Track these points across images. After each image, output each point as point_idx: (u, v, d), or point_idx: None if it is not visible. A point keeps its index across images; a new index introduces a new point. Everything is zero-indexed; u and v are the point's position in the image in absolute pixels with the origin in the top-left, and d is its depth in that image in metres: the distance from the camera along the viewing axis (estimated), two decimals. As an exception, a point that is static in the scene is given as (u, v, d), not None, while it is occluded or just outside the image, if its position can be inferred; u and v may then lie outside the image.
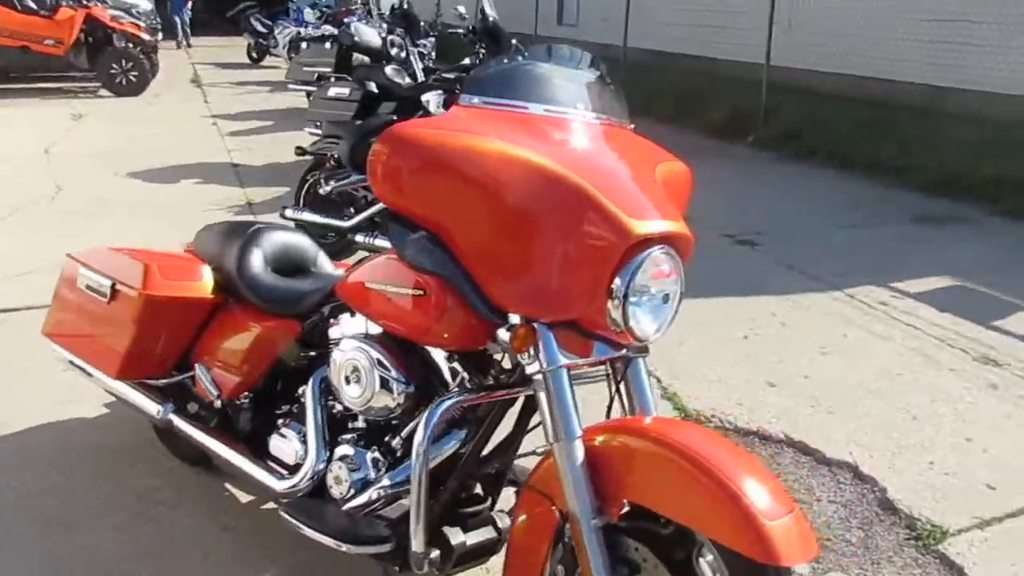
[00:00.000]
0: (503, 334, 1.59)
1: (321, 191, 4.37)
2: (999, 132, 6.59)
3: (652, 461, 1.48)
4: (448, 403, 1.65)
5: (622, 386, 1.74)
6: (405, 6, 7.70)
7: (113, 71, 10.88)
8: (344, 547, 1.77)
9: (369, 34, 5.47)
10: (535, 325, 1.58)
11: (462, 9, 6.85)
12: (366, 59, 5.66)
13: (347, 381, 1.86)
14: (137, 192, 6.11)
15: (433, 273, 1.61)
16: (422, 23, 7.45)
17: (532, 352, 1.58)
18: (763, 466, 1.49)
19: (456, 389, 1.78)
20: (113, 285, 2.24)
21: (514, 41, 6.40)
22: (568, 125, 1.67)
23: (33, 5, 10.70)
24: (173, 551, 2.22)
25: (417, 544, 1.64)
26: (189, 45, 17.25)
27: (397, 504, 1.81)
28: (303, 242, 2.38)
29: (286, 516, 1.87)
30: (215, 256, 2.30)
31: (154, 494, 2.47)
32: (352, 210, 4.29)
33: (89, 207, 5.62)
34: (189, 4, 17.42)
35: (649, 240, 1.51)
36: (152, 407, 2.34)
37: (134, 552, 2.21)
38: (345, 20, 9.44)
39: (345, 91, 5.15)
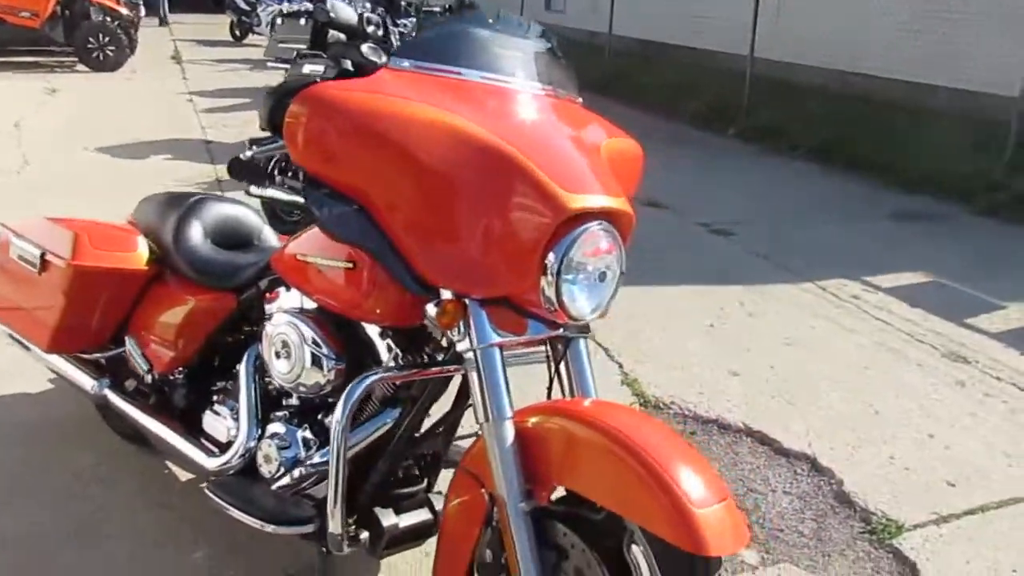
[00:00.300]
0: (431, 309, 1.51)
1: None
2: (980, 130, 6.57)
3: (583, 445, 1.41)
4: (370, 380, 1.58)
5: (562, 367, 1.68)
6: (388, -14, 7.59)
7: (90, 46, 10.67)
8: (268, 527, 1.70)
9: (345, 11, 5.34)
10: (466, 301, 1.51)
11: (442, -12, 6.77)
12: (342, 36, 5.56)
13: (277, 356, 1.79)
14: (106, 167, 5.98)
15: (357, 245, 1.53)
16: (403, 2, 7.34)
17: (462, 329, 1.52)
18: (698, 453, 1.44)
19: (383, 366, 1.71)
20: (43, 255, 2.14)
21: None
22: (506, 94, 1.59)
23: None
24: (106, 529, 2.14)
25: (334, 525, 1.57)
26: (167, 23, 16.97)
27: (324, 484, 1.74)
28: (246, 214, 2.30)
29: (211, 495, 1.79)
30: (153, 226, 2.21)
31: (91, 471, 2.39)
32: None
33: (55, 182, 5.49)
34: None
35: (587, 215, 1.44)
36: (87, 382, 2.25)
37: (65, 531, 2.13)
38: (326, -2, 9.29)
39: (319, 69, 5.04)
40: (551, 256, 1.43)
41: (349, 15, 5.72)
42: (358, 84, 1.51)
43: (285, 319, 1.79)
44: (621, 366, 3.16)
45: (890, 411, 2.93)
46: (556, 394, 1.68)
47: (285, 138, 1.49)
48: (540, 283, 1.45)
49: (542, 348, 1.71)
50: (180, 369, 2.13)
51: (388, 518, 1.75)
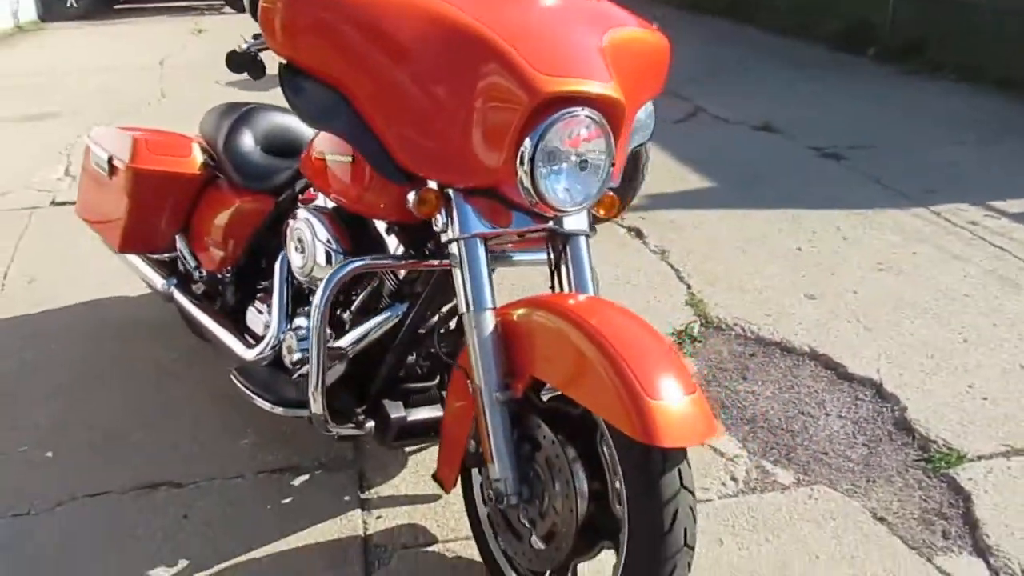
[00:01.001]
0: (411, 198, 1.51)
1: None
2: None
3: (555, 336, 1.40)
4: (353, 266, 1.61)
5: (563, 267, 1.64)
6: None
7: (235, -13, 11.21)
8: (277, 409, 1.80)
9: None
10: (450, 192, 1.51)
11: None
12: None
13: (295, 252, 1.87)
14: (232, 98, 6.31)
15: (334, 132, 1.55)
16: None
17: (446, 220, 1.52)
18: (672, 351, 1.39)
19: (371, 256, 1.74)
20: (110, 159, 2.32)
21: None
22: None
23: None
24: (173, 414, 2.34)
25: (316, 406, 1.64)
26: None
27: (334, 370, 1.82)
28: (297, 122, 2.38)
29: (234, 379, 1.91)
30: (210, 134, 2.34)
31: (169, 366, 2.60)
32: None
33: (186, 110, 5.86)
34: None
35: (569, 100, 1.39)
36: (158, 280, 2.44)
37: (138, 415, 2.34)
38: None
39: None
40: (527, 142, 1.39)
41: None
42: None
43: (303, 216, 1.86)
44: (689, 287, 3.06)
45: (982, 340, 2.68)
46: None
47: (260, 25, 1.52)
48: (518, 171, 1.42)
49: (543, 247, 1.69)
50: (228, 269, 2.26)
51: (396, 410, 1.80)
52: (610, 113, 1.46)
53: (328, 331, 1.90)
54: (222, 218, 2.24)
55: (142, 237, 2.38)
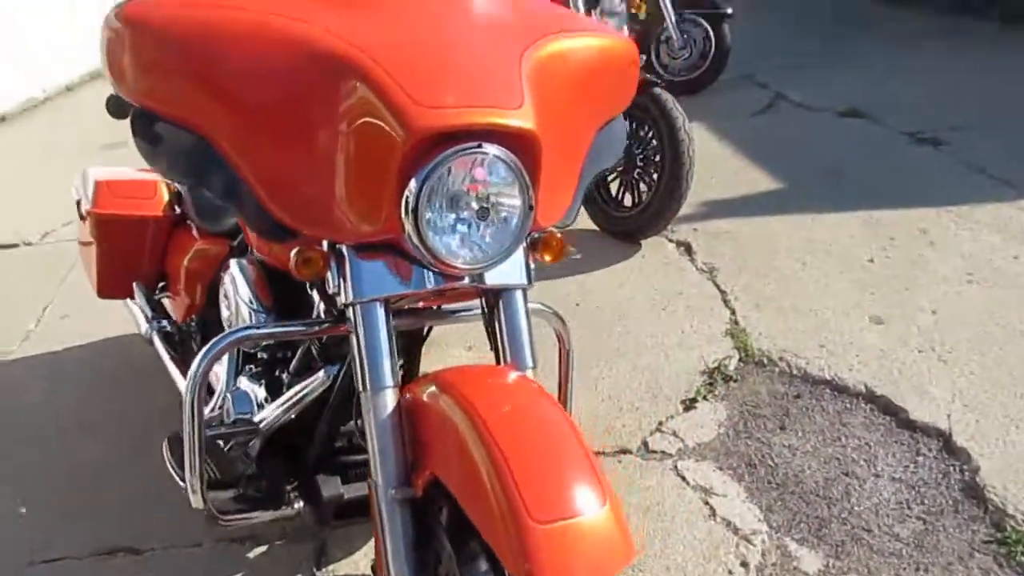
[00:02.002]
0: (292, 257, 1.27)
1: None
2: None
3: (451, 430, 1.13)
4: (234, 338, 1.38)
5: (496, 325, 1.37)
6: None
7: None
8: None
9: None
10: (342, 249, 1.26)
11: None
12: None
13: (223, 306, 1.69)
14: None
15: (194, 184, 1.33)
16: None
17: (338, 280, 1.27)
18: (586, 456, 1.07)
19: (255, 323, 1.52)
20: (78, 203, 2.23)
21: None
22: None
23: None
24: (142, 474, 2.20)
25: (194, 499, 1.41)
26: None
27: (252, 445, 1.62)
28: None
29: (163, 447, 1.74)
30: None
31: (157, 416, 2.47)
32: None
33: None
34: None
35: (462, 135, 1.12)
36: (142, 324, 2.32)
37: (109, 472, 2.23)
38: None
39: None
40: (410, 187, 1.13)
41: None
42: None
43: (232, 267, 1.68)
44: (733, 312, 2.68)
45: (1092, 375, 2.18)
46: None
47: (106, 68, 1.30)
48: (404, 224, 1.16)
49: (476, 302, 1.43)
50: (192, 318, 2.11)
51: (331, 487, 1.59)
52: (521, 147, 1.18)
53: (259, 396, 1.72)
54: (184, 263, 2.09)
55: (115, 283, 2.28)
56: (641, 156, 3.21)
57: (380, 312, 1.25)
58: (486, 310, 1.38)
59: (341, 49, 1.15)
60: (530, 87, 1.20)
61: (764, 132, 4.57)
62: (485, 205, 1.18)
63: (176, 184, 1.50)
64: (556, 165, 1.32)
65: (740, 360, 2.41)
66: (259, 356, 1.79)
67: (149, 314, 2.16)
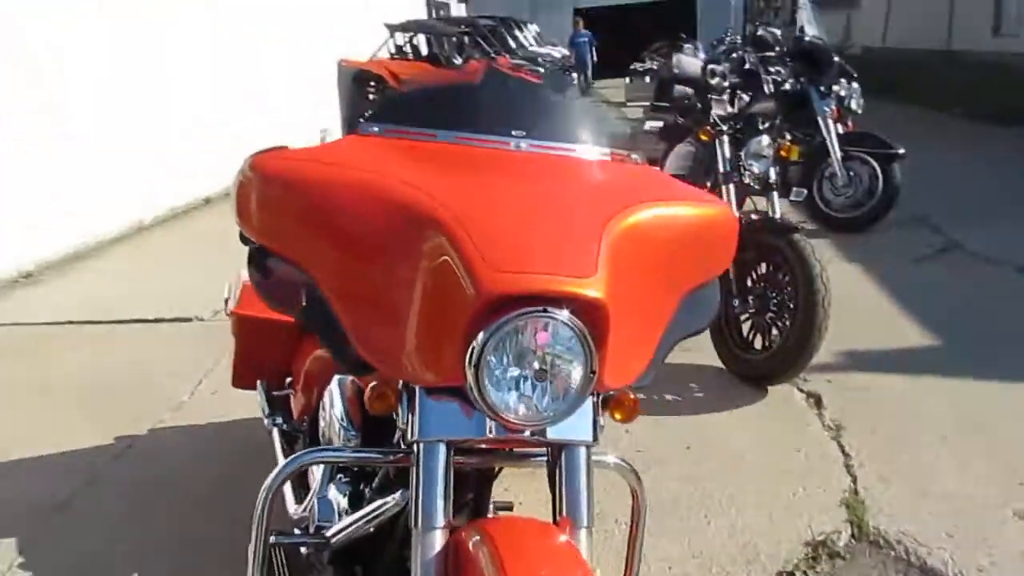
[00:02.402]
0: (368, 391, 1.35)
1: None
2: None
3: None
4: (307, 459, 1.46)
5: (556, 478, 1.38)
6: (759, 31, 7.29)
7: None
8: None
9: (690, 65, 5.24)
10: (414, 388, 1.33)
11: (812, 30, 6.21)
12: (687, 89, 5.44)
13: (321, 418, 1.80)
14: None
15: (292, 315, 1.44)
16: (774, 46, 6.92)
17: (407, 416, 1.34)
18: None
19: (331, 446, 1.59)
20: (226, 301, 2.46)
21: (837, 59, 5.61)
22: (480, 155, 1.39)
23: (456, 61, 12.47)
24: None
25: None
26: (589, 86, 18.19)
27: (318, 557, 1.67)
28: None
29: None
30: None
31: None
32: None
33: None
34: (593, 50, 18.60)
35: (530, 299, 1.17)
36: (265, 417, 2.50)
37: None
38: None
39: (658, 124, 5.01)
40: (476, 341, 1.19)
41: (692, 68, 5.52)
42: (308, 152, 1.43)
43: (334, 382, 1.79)
44: (855, 480, 2.48)
45: None
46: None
47: (236, 209, 1.47)
48: (467, 375, 1.22)
49: (543, 451, 1.44)
50: (304, 418, 2.24)
51: None
52: (589, 315, 1.21)
53: (342, 506, 1.78)
54: (304, 367, 2.24)
55: (247, 375, 2.47)
56: (775, 300, 3.12)
57: (441, 453, 1.29)
58: (550, 460, 1.39)
59: (429, 206, 1.25)
60: (609, 255, 1.24)
61: (928, 281, 4.30)
62: (544, 367, 1.21)
63: None
64: (630, 330, 1.33)
65: (852, 536, 2.22)
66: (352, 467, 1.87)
67: (266, 410, 2.32)
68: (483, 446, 1.44)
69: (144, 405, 3.30)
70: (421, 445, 1.29)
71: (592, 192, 1.40)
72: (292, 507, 1.98)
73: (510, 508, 1.95)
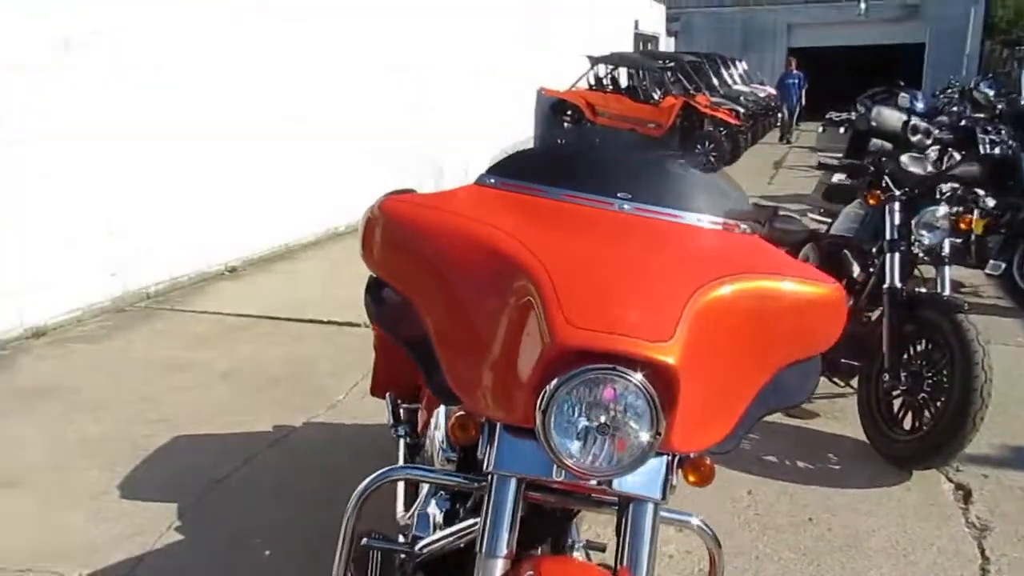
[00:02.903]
0: (453, 420, 1.48)
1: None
2: None
3: None
4: (393, 476, 1.58)
5: (623, 530, 1.43)
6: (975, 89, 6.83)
7: (696, 151, 11.99)
8: None
9: (890, 118, 5.02)
10: (497, 424, 1.44)
11: None
12: (886, 144, 5.20)
13: (428, 438, 1.93)
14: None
15: (394, 339, 1.59)
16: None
17: (487, 448, 1.44)
18: None
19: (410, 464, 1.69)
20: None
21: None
22: (583, 214, 1.48)
23: (654, 96, 12.60)
24: None
25: None
26: (789, 136, 17.32)
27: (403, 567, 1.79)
28: None
29: None
30: None
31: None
32: None
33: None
34: (802, 92, 17.83)
35: (603, 356, 1.24)
36: (391, 428, 2.70)
37: None
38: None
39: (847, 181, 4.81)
40: (547, 388, 1.27)
41: (893, 123, 5.31)
42: (430, 199, 1.58)
43: (442, 406, 1.92)
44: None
45: None
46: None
47: (359, 238, 1.63)
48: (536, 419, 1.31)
49: (615, 500, 1.49)
50: (425, 433, 2.40)
51: None
52: (660, 378, 1.26)
53: (438, 521, 1.90)
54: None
55: (382, 386, 2.68)
56: (931, 381, 2.92)
57: (512, 487, 1.38)
58: (619, 510, 1.44)
59: (525, 257, 1.36)
60: (692, 323, 1.29)
61: None
62: (607, 422, 1.27)
63: None
64: (708, 398, 1.36)
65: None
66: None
67: (391, 420, 2.51)
68: (555, 487, 1.52)
69: (303, 400, 3.63)
70: (495, 477, 1.39)
71: (687, 259, 1.44)
72: (400, 514, 2.14)
73: (602, 550, 1.98)
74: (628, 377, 1.23)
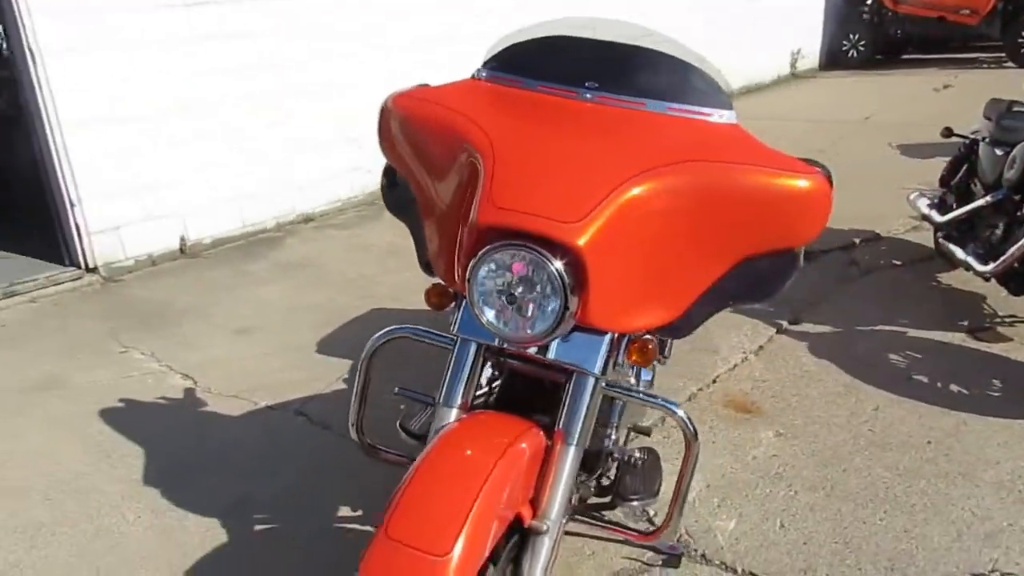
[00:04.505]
0: (426, 290, 1.69)
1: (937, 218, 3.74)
2: None
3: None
4: (392, 333, 1.76)
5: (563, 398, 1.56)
6: None
7: (1020, 40, 10.21)
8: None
9: None
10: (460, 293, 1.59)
11: None
12: None
13: None
14: (899, 164, 6.09)
15: (398, 217, 1.79)
16: None
17: (455, 314, 1.62)
18: (470, 502, 1.28)
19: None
20: None
21: None
22: (548, 103, 1.59)
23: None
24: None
25: (352, 432, 1.88)
26: None
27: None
28: None
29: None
30: None
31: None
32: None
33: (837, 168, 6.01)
34: None
35: (519, 234, 1.37)
36: None
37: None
38: None
39: None
40: (472, 262, 1.43)
41: None
42: (427, 92, 1.71)
43: None
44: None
45: None
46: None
47: (377, 131, 1.76)
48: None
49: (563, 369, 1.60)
50: None
51: None
52: (573, 255, 1.36)
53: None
54: None
55: None
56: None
57: (471, 350, 1.59)
58: (566, 379, 1.57)
59: (483, 144, 1.49)
60: (620, 206, 1.36)
61: None
62: (514, 292, 1.42)
63: None
64: (638, 280, 1.45)
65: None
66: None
67: None
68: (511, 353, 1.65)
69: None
70: (458, 339, 1.60)
71: (632, 146, 1.49)
72: None
73: (648, 433, 2.10)
74: (538, 252, 1.35)
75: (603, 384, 1.56)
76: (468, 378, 1.60)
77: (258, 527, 2.26)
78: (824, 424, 2.64)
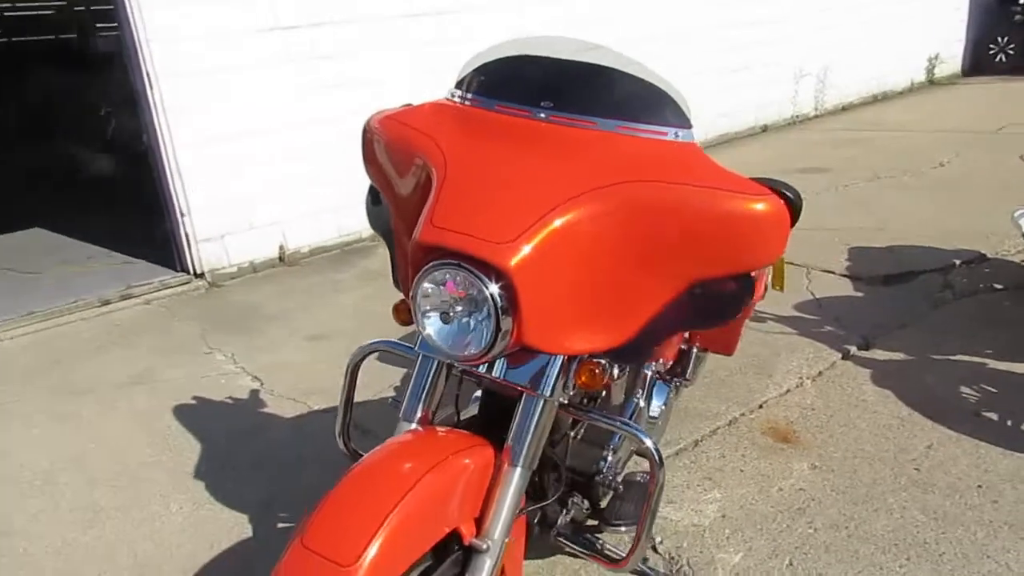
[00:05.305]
0: (393, 306, 1.76)
1: None
2: None
3: None
4: (371, 346, 1.88)
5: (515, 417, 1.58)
6: None
7: None
8: None
9: None
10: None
11: None
12: None
13: None
14: (1010, 175, 5.65)
15: (377, 233, 1.84)
16: None
17: (417, 332, 1.62)
18: (385, 514, 1.30)
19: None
20: None
21: None
22: (503, 124, 1.60)
23: None
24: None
25: (339, 442, 1.97)
26: None
27: None
28: None
29: None
30: None
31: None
32: None
33: (951, 177, 5.64)
34: None
35: (453, 254, 1.41)
36: None
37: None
38: None
39: None
40: (415, 281, 1.48)
41: None
42: (401, 114, 1.75)
43: None
44: None
45: None
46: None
47: (361, 151, 1.81)
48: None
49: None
50: None
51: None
52: (505, 276, 1.37)
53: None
54: None
55: None
56: None
57: (432, 366, 1.64)
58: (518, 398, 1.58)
59: (439, 164, 1.53)
60: (556, 229, 1.37)
61: None
62: (447, 311, 1.47)
63: None
64: (576, 302, 1.44)
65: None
66: None
67: None
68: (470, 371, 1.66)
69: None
70: (420, 356, 1.66)
71: (576, 166, 1.47)
72: None
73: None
74: (471, 272, 1.38)
75: (556, 404, 1.57)
76: (427, 394, 1.64)
77: (280, 525, 2.40)
78: (866, 459, 2.50)
